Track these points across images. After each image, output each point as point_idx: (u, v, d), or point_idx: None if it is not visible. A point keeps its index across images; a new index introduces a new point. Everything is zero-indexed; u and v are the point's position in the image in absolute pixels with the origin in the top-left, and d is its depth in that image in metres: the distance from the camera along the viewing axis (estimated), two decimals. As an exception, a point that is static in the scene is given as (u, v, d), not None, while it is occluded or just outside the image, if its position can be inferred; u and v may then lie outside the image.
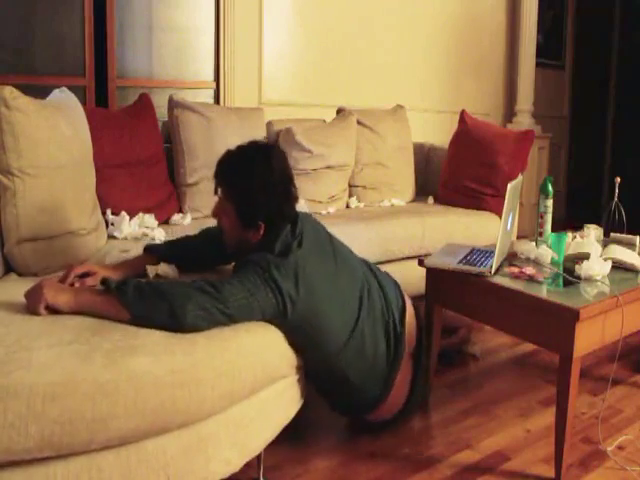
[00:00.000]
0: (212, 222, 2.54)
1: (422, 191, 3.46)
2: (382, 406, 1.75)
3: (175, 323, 1.31)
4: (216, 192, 1.61)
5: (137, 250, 1.95)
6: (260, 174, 1.55)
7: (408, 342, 1.80)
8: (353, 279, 1.69)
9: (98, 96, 3.05)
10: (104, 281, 1.37)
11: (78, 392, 1.10)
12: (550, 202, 2.21)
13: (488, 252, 2.04)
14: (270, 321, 1.48)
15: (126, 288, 1.33)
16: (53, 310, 1.33)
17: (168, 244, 1.76)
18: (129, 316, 1.31)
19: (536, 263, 1.98)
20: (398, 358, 1.73)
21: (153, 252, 1.70)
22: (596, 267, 1.84)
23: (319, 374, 1.69)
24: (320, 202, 2.92)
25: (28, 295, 1.35)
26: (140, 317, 1.31)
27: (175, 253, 1.72)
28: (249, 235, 1.59)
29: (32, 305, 1.33)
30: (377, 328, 1.70)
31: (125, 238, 2.16)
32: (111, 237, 2.15)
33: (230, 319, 1.39)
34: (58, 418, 1.08)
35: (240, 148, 1.61)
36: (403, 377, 1.77)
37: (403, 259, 2.73)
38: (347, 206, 3.13)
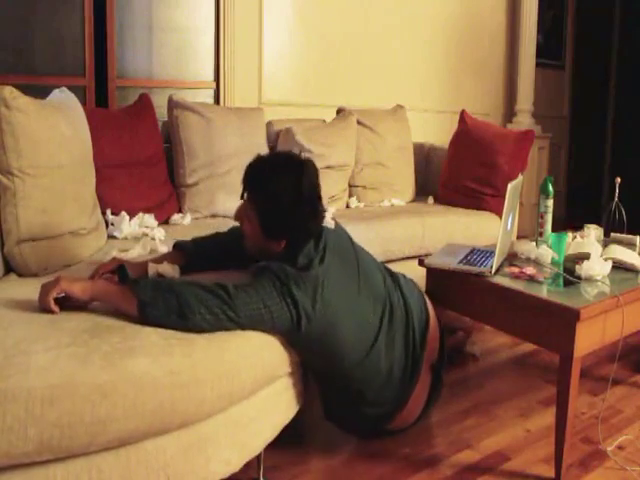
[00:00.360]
0: (211, 222, 2.56)
1: (422, 191, 3.46)
2: (398, 417, 1.73)
3: (181, 322, 1.31)
4: (242, 197, 1.55)
5: (137, 250, 1.96)
6: (288, 189, 1.48)
7: (429, 354, 1.77)
8: (375, 295, 1.65)
9: (98, 96, 3.05)
10: (119, 268, 1.36)
11: (77, 395, 1.09)
12: (550, 202, 2.21)
13: (488, 252, 2.04)
14: (281, 334, 1.46)
15: (141, 280, 1.35)
16: (62, 304, 1.32)
17: (196, 241, 1.73)
18: (138, 307, 1.30)
19: (536, 263, 1.98)
20: (415, 374, 1.71)
21: (182, 249, 1.69)
22: (596, 267, 1.84)
23: (331, 388, 1.68)
24: (320, 202, 2.92)
25: (43, 286, 1.34)
26: (148, 311, 1.30)
27: (203, 250, 1.69)
28: (270, 245, 1.55)
29: (44, 293, 1.32)
30: (396, 344, 1.67)
31: (125, 238, 2.17)
32: (111, 237, 2.15)
33: (238, 326, 1.37)
34: (57, 421, 1.07)
35: (272, 157, 1.56)
36: (421, 389, 1.75)
37: (403, 259, 2.73)
38: (347, 206, 3.13)
